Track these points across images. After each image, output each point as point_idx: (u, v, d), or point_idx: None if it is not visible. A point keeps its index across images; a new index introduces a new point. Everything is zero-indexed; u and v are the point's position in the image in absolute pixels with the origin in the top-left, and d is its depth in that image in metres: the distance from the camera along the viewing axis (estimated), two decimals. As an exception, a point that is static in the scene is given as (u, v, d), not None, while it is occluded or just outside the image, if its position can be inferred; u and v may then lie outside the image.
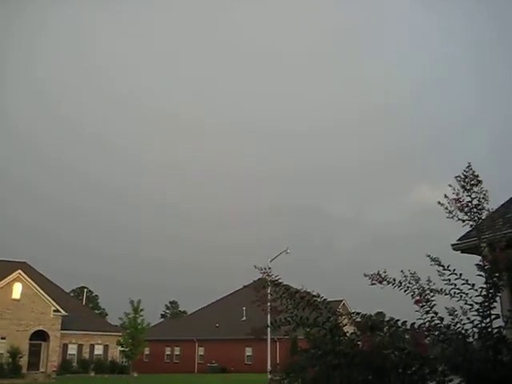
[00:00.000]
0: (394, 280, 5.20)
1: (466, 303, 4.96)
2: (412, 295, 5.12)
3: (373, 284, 5.21)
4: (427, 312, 5.00)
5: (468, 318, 4.92)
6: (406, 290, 5.16)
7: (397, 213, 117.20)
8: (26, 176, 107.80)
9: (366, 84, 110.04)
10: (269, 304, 5.35)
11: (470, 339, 4.86)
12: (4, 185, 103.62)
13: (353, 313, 5.22)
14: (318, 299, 5.20)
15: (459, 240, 11.48)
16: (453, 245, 11.92)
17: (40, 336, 50.10)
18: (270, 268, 5.50)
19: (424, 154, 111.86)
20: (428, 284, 5.15)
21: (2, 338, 47.85)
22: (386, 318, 5.34)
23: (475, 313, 4.88)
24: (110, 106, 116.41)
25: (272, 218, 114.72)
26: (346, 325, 5.18)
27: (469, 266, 5.36)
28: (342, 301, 56.55)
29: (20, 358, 46.95)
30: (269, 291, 5.36)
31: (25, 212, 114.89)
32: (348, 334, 5.03)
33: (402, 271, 5.20)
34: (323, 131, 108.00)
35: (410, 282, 5.15)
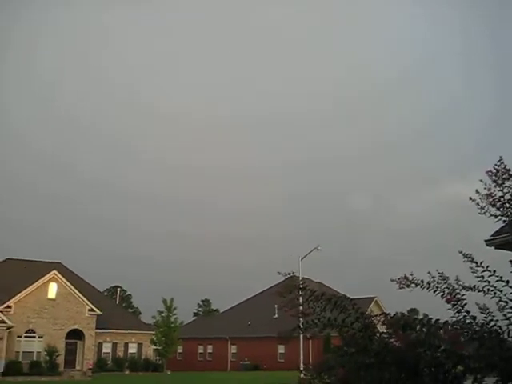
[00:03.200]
0: (422, 281, 5.14)
1: (500, 300, 4.88)
2: (442, 295, 5.05)
3: (401, 288, 5.16)
4: (459, 311, 4.93)
5: (504, 315, 4.84)
6: (435, 291, 5.09)
7: (424, 207, 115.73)
8: (64, 189, 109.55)
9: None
10: (301, 308, 5.33)
11: (505, 337, 4.78)
12: (42, 195, 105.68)
13: (382, 314, 5.18)
14: (345, 300, 5.16)
15: (493, 235, 11.30)
16: (486, 240, 11.72)
17: (76, 335, 51.02)
18: (294, 272, 5.51)
19: (446, 147, 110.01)
20: (457, 282, 5.07)
21: (40, 337, 48.91)
22: (420, 315, 5.28)
23: (510, 310, 4.79)
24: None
25: (299, 212, 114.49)
26: (377, 323, 5.14)
27: (502, 261, 5.27)
28: (373, 298, 56.13)
29: (57, 356, 47.90)
30: (300, 293, 5.35)
31: (64, 220, 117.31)
32: (380, 333, 4.99)
33: (429, 272, 5.13)
34: (340, 122, 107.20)
35: (438, 282, 5.08)
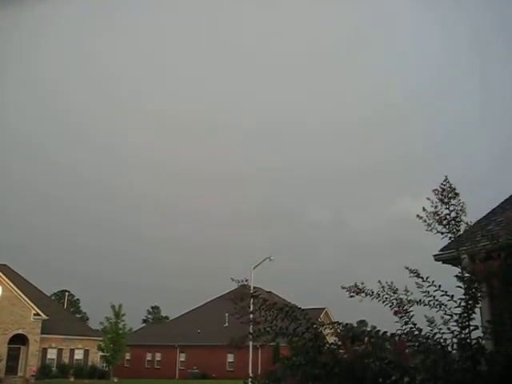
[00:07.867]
0: (372, 292, 5.26)
1: (445, 313, 5.02)
2: (390, 306, 5.17)
3: (351, 296, 5.26)
4: (406, 323, 5.05)
5: (448, 329, 4.97)
6: (384, 302, 5.21)
7: (379, 221, 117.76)
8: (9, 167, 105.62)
9: (357, 90, 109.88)
10: (251, 316, 5.37)
11: (450, 349, 4.90)
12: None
13: (334, 323, 5.26)
14: (297, 310, 5.22)
15: (441, 250, 11.56)
16: (435, 255, 11.99)
17: (19, 340, 49.44)
18: (247, 280, 5.54)
19: (409, 165, 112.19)
20: (406, 294, 5.21)
21: (-19, 342, 47.21)
22: (368, 327, 5.39)
23: (455, 323, 4.93)
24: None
25: (255, 221, 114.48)
26: (327, 334, 5.21)
27: (451, 275, 5.42)
28: (324, 309, 56.65)
29: (-2, 362, 46.36)
30: (250, 302, 5.38)
31: (11, 207, 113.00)
32: (329, 344, 5.06)
33: (379, 282, 5.25)
34: (310, 136, 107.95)
35: (387, 293, 5.21)
